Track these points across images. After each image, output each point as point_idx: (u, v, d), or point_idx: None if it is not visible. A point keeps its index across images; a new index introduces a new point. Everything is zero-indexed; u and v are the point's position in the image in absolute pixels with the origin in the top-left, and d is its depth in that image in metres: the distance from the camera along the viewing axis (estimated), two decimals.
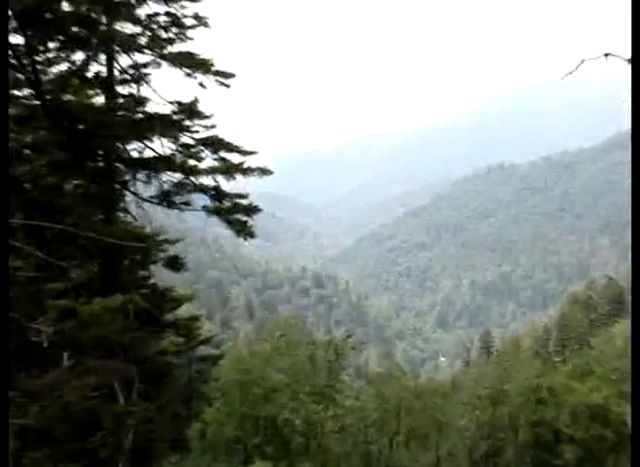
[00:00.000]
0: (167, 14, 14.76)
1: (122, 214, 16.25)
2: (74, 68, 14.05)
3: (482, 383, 27.55)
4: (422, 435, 25.28)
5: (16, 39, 11.34)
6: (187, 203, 15.80)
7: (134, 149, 15.44)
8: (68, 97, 13.69)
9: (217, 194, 15.83)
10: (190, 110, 15.03)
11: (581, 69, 6.54)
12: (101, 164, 15.54)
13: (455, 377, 66.92)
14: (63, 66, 13.86)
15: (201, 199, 15.98)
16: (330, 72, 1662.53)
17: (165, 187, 15.58)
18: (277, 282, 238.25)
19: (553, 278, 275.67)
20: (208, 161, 15.71)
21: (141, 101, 15.00)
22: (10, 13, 9.90)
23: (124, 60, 15.05)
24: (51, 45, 13.05)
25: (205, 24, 15.14)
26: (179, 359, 19.23)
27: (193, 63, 14.82)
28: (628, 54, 5.65)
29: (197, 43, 15.20)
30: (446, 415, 25.36)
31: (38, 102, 13.12)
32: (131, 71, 15.15)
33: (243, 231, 16.03)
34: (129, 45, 14.62)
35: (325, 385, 21.15)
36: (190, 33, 15.02)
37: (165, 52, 14.82)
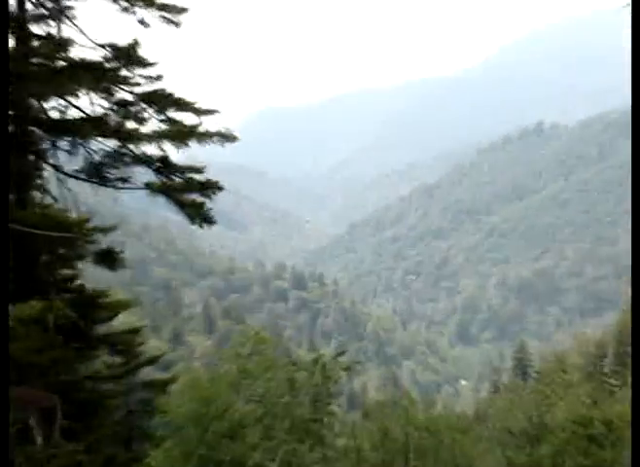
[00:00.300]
0: None
1: (38, 194, 16.23)
2: None
3: (516, 415, 27.80)
4: None
5: None
6: (124, 179, 15.81)
7: (54, 108, 15.41)
8: None
9: (164, 166, 15.84)
10: (128, 56, 15.00)
11: None
12: (10, 128, 15.51)
13: (481, 407, 67.48)
14: None
15: (144, 174, 15.97)
16: (316, 14, 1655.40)
17: (96, 158, 15.58)
18: (245, 283, 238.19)
19: (609, 275, 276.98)
20: (153, 123, 15.72)
21: (63, 44, 14.96)
22: None
23: None
24: None
25: None
26: (115, 385, 19.28)
27: None
28: None
29: None
30: (468, 456, 25.57)
31: None
32: (50, 4, 15.11)
33: (199, 215, 16.08)
34: None
35: (309, 419, 21.26)
36: None
37: None
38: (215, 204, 16.36)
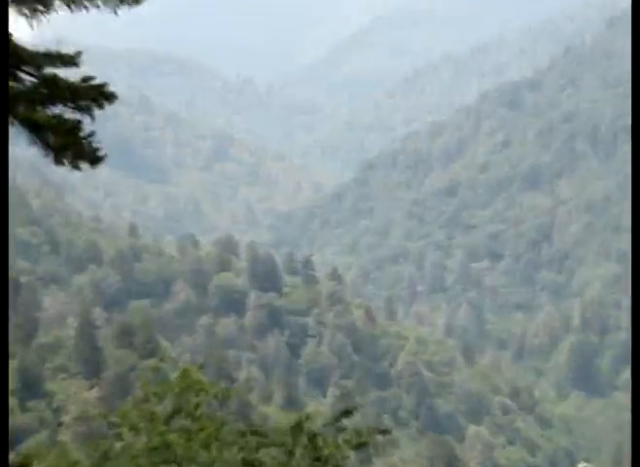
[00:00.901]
0: None
1: None
2: None
3: None
4: None
5: None
6: None
7: None
8: None
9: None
10: None
11: None
12: None
13: None
14: None
15: None
16: None
17: None
18: (162, 276, 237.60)
19: None
20: None
21: None
22: None
23: None
24: None
25: None
26: None
27: None
28: None
29: None
30: None
31: None
32: None
33: (71, 149, 15.92)
34: None
35: None
36: None
37: None
38: (104, 128, 16.23)
